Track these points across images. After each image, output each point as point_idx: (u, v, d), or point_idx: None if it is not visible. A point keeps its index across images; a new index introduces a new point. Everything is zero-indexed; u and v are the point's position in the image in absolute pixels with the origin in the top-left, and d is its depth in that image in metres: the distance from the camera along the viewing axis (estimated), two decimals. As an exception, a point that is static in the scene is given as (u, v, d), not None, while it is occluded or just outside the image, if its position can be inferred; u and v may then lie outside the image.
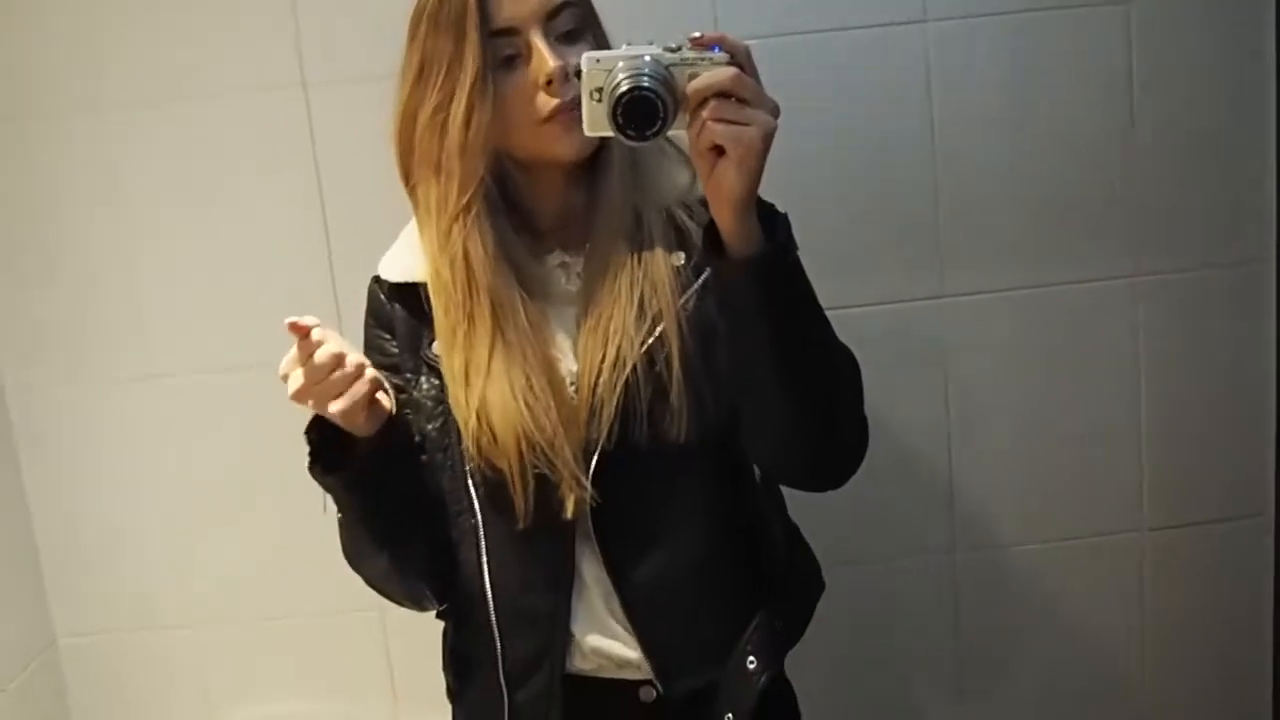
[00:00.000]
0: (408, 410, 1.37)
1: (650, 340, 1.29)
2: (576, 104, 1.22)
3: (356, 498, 1.31)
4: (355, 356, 1.22)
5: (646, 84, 1.12)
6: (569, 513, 1.29)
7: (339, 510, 1.34)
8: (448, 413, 1.34)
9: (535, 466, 1.28)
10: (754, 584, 1.41)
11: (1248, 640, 2.03)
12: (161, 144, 1.83)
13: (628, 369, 1.28)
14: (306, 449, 1.28)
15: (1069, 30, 1.83)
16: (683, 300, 1.31)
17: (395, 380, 1.36)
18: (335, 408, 1.20)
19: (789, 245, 1.18)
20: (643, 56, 1.13)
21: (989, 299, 1.90)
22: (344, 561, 1.40)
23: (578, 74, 1.17)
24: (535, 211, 1.38)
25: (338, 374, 1.19)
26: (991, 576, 2.00)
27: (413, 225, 1.38)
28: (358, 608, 1.88)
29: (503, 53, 1.27)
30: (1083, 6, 1.83)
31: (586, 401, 1.29)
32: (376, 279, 1.42)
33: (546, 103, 1.27)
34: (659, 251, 1.32)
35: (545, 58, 1.25)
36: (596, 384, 1.28)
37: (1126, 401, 1.95)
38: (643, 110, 1.12)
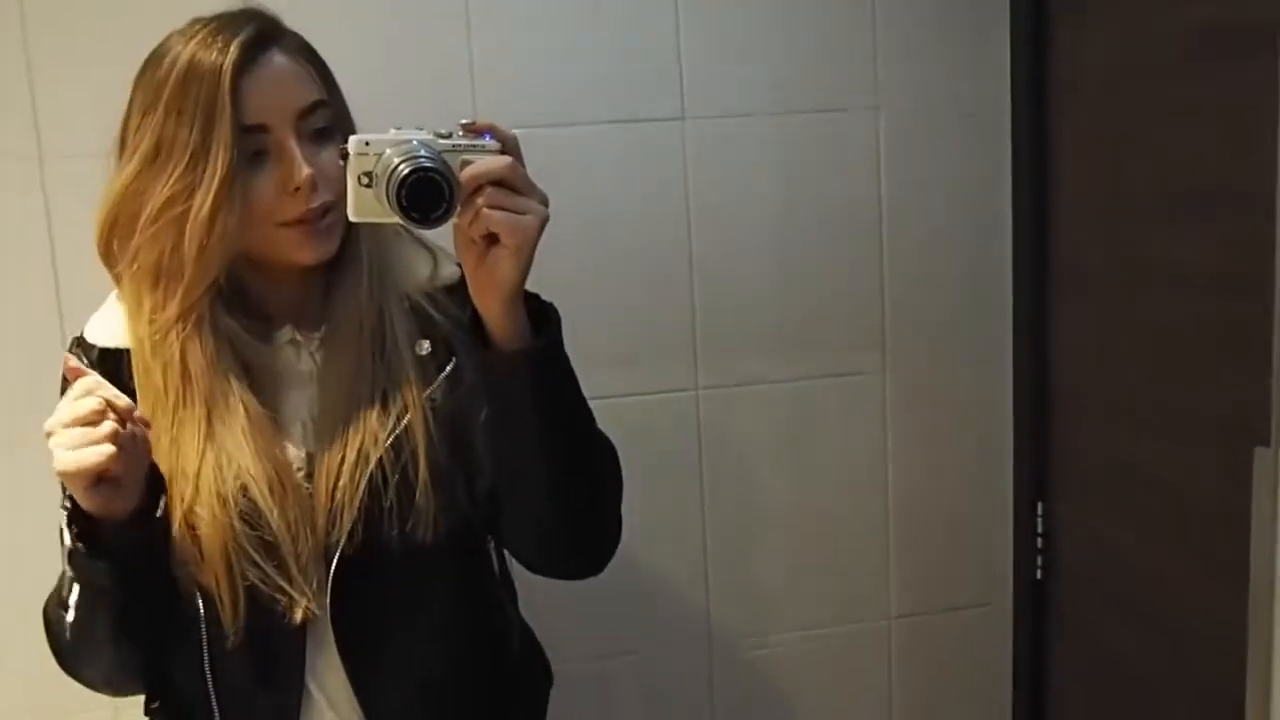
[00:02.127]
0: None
1: (395, 433, 1.24)
2: (324, 212, 1.21)
3: (116, 584, 1.15)
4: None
5: (429, 165, 1.07)
6: (296, 620, 1.22)
7: (82, 602, 1.18)
8: None
9: (246, 579, 1.21)
10: (495, 684, 1.37)
11: (990, 724, 2.10)
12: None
13: (370, 466, 1.23)
14: (65, 535, 1.14)
15: (821, 131, 1.91)
16: (429, 391, 1.27)
17: None
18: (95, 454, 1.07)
19: (558, 336, 1.17)
20: (413, 141, 1.10)
21: (742, 391, 1.94)
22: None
23: (343, 157, 1.12)
24: (265, 301, 1.32)
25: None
26: (745, 668, 2.01)
27: None
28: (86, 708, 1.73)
29: (250, 149, 1.20)
30: (834, 111, 1.91)
31: (324, 506, 1.23)
32: (80, 341, 1.30)
33: (293, 208, 1.21)
34: (401, 341, 1.28)
35: (298, 163, 1.20)
36: (335, 487, 1.23)
37: (873, 493, 2.02)
38: (430, 193, 1.07)
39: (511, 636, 1.42)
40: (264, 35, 1.23)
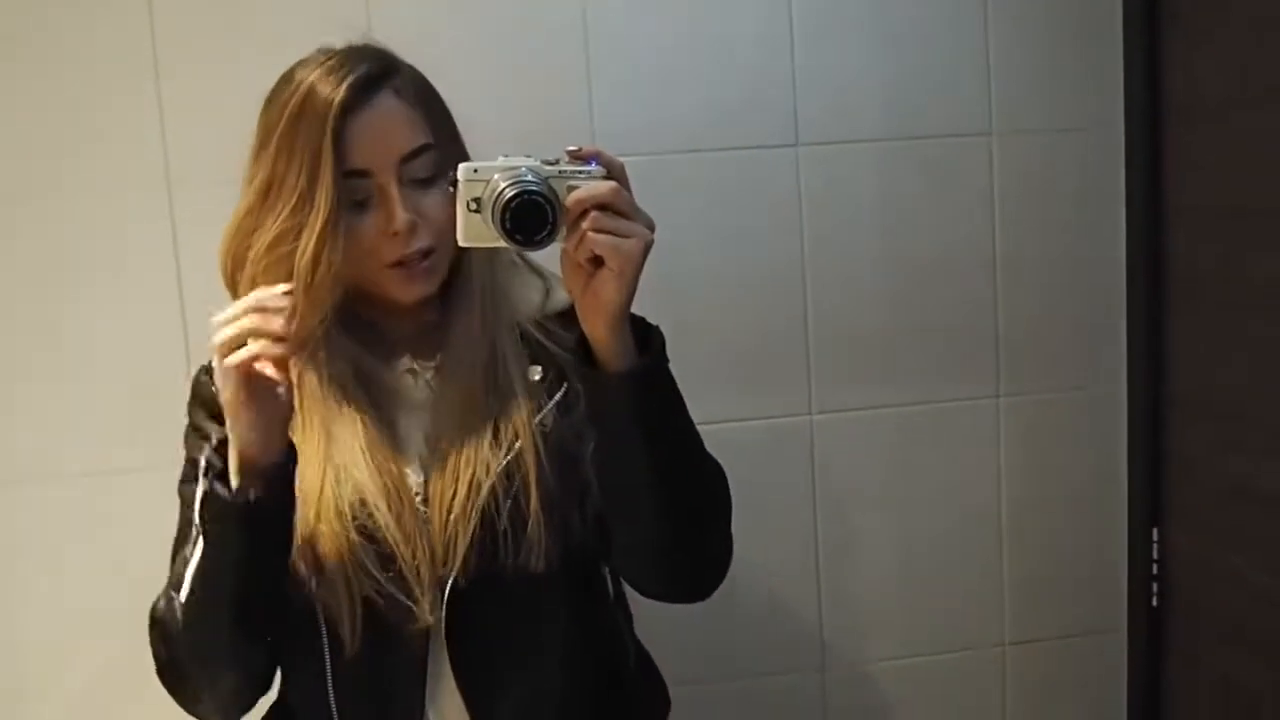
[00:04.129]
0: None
1: (506, 461, 1.25)
2: (424, 255, 1.23)
3: (241, 538, 1.14)
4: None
5: (533, 188, 1.10)
6: (419, 626, 1.23)
7: (201, 567, 1.17)
8: None
9: (363, 590, 1.23)
10: (612, 706, 1.37)
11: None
12: (22, 239, 1.76)
13: (483, 495, 1.24)
14: (199, 484, 1.16)
15: (935, 157, 1.90)
16: (539, 417, 1.29)
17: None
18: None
19: (663, 358, 1.17)
20: (521, 167, 1.12)
21: (856, 416, 1.93)
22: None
23: (453, 184, 1.14)
24: (384, 329, 1.34)
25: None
26: (860, 693, 2.00)
27: None
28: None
29: (353, 194, 1.23)
30: (949, 136, 1.90)
31: (439, 536, 1.24)
32: (207, 369, 1.30)
33: (393, 251, 1.24)
34: (513, 370, 1.30)
35: (396, 210, 1.22)
36: (449, 517, 1.24)
37: (987, 518, 2.00)
38: (533, 215, 1.10)
39: (627, 660, 1.43)
40: (376, 76, 1.24)
